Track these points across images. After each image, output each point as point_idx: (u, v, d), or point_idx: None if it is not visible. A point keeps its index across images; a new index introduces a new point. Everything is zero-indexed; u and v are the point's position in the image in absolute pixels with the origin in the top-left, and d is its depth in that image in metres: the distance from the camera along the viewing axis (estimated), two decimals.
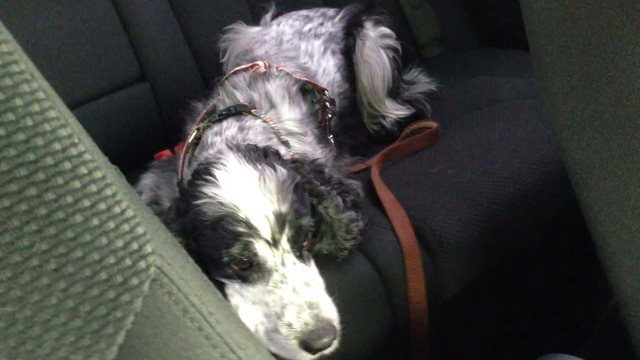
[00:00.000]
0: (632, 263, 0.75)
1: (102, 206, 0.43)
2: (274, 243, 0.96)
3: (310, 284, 0.97)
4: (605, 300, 1.33)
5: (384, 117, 1.61)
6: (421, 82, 1.74)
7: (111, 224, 0.44)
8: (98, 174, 0.43)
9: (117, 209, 0.44)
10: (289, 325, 0.92)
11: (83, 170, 0.42)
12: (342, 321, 0.96)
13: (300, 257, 0.99)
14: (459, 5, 2.15)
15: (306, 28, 1.58)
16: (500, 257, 1.27)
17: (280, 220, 0.96)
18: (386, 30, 1.60)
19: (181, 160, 1.22)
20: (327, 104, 1.36)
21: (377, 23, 1.60)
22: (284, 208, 0.96)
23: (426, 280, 1.13)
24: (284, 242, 0.97)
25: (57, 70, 1.52)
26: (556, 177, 1.28)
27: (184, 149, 1.23)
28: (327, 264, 1.06)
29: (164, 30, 1.68)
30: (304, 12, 1.66)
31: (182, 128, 1.37)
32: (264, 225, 0.95)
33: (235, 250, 0.95)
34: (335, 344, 0.94)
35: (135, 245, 0.44)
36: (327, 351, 0.93)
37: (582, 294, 1.59)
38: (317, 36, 1.57)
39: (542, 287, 1.55)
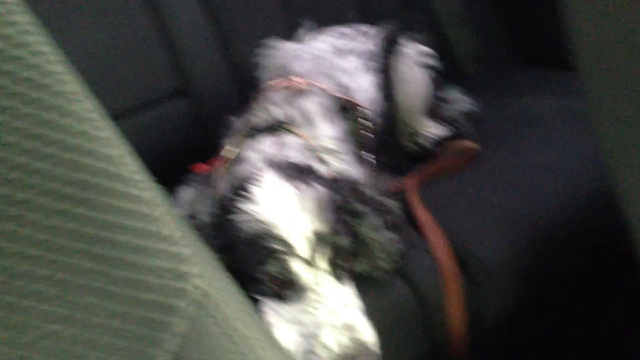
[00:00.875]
0: None
1: (152, 228, 0.42)
2: (311, 262, 0.95)
3: (348, 304, 0.95)
4: None
5: (421, 136, 1.59)
6: (459, 101, 1.71)
7: (158, 245, 0.43)
8: (147, 195, 0.43)
9: (165, 231, 0.43)
10: (325, 346, 0.91)
11: (134, 191, 0.42)
12: (380, 345, 0.94)
13: (338, 277, 0.98)
14: (496, 23, 2.13)
15: (343, 45, 1.58)
16: (545, 284, 1.23)
17: (318, 239, 0.95)
18: (423, 47, 1.59)
19: (218, 175, 1.23)
20: (366, 122, 1.35)
21: (415, 41, 1.59)
22: (321, 227, 0.95)
23: (466, 305, 1.10)
24: (321, 262, 0.96)
25: (98, 85, 1.54)
26: (604, 202, 1.23)
27: (221, 164, 1.23)
28: (364, 286, 1.04)
29: (205, 46, 1.70)
30: (340, 29, 1.66)
31: (219, 143, 1.37)
32: (302, 243, 0.94)
33: (272, 267, 0.95)
34: None
35: (181, 268, 0.44)
36: None
37: (631, 321, 1.53)
38: (354, 53, 1.56)
39: (589, 315, 1.50)
